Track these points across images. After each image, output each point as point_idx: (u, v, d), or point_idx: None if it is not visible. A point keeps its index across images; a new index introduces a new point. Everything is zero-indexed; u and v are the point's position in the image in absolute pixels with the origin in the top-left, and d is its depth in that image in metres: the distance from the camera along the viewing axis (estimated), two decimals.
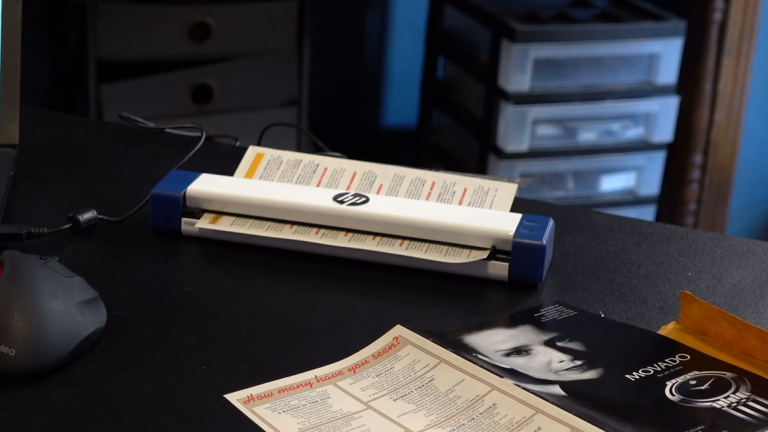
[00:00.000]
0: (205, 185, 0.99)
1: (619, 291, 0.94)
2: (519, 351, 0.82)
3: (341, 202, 0.97)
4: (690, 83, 2.41)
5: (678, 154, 2.46)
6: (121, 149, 1.17)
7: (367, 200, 0.97)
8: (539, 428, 0.72)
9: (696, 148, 2.46)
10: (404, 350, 0.82)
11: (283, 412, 0.75)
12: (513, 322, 0.87)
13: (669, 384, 0.77)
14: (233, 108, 2.47)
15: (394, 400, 0.77)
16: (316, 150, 1.19)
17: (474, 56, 2.44)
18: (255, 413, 0.74)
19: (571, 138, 2.39)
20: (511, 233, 0.93)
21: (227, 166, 1.06)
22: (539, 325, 0.86)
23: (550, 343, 0.83)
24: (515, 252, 0.92)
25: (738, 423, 0.72)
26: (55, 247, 0.95)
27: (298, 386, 0.77)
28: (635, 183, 2.46)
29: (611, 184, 2.47)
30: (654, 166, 2.44)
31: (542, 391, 0.75)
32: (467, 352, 0.81)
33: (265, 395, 0.76)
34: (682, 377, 0.78)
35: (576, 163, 2.41)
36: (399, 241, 0.95)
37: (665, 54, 2.36)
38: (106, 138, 1.21)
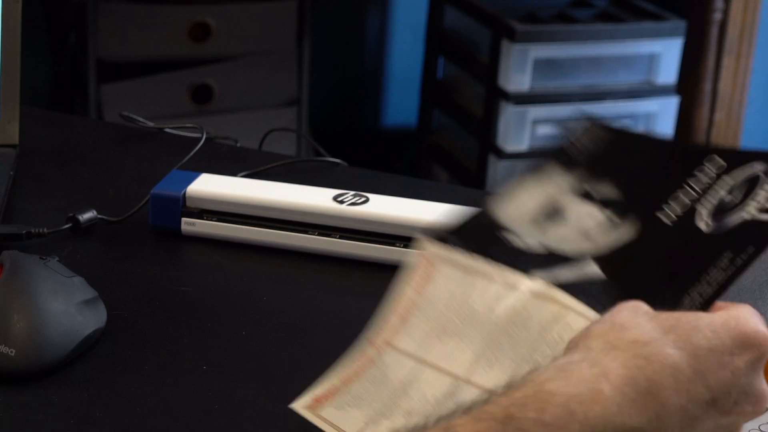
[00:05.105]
0: (205, 185, 0.99)
1: None
2: (550, 214, 0.74)
3: (341, 202, 0.97)
4: (690, 83, 2.41)
5: None
6: (121, 149, 1.17)
7: (367, 200, 0.97)
8: (569, 325, 0.66)
9: None
10: (442, 273, 0.74)
11: (349, 407, 0.71)
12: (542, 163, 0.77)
13: (708, 203, 0.70)
14: (233, 108, 2.47)
15: (441, 340, 0.71)
16: (316, 154, 1.19)
17: (474, 56, 2.44)
18: (323, 418, 0.71)
19: None
20: None
21: (227, 167, 1.07)
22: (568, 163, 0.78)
23: (579, 191, 0.75)
24: None
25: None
26: (55, 247, 0.95)
27: (361, 368, 0.73)
28: None
29: None
30: None
31: (577, 281, 0.69)
32: (499, 234, 0.73)
33: (331, 392, 0.72)
34: (721, 193, 0.70)
35: None
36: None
37: (665, 54, 2.36)
38: (106, 138, 1.21)
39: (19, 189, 1.06)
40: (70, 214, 0.98)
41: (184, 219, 0.98)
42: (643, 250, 0.72)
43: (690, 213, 0.71)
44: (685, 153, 0.76)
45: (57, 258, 0.86)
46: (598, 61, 2.35)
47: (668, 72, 2.37)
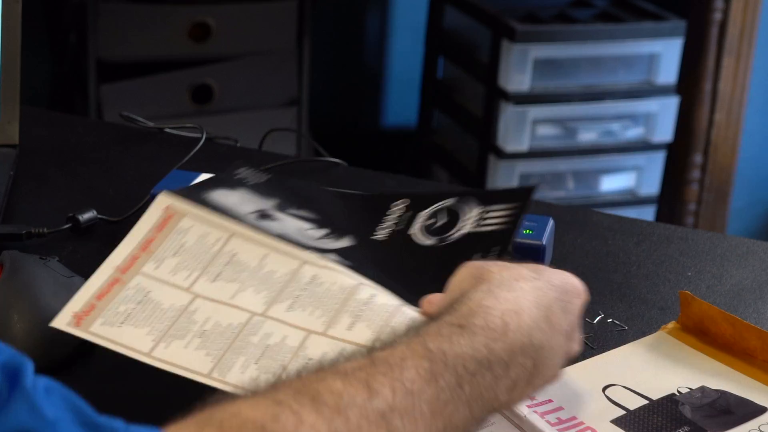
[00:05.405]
0: None
1: (619, 291, 0.94)
2: (264, 215, 0.83)
3: None
4: (690, 83, 2.41)
5: (678, 154, 2.46)
6: (121, 149, 1.17)
7: None
8: (373, 295, 0.75)
9: (696, 148, 2.46)
10: (184, 222, 0.80)
11: (122, 324, 0.73)
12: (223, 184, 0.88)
13: (414, 229, 0.85)
14: (233, 108, 2.47)
15: (212, 281, 0.76)
16: (316, 154, 1.19)
17: (474, 56, 2.44)
18: (97, 335, 0.72)
19: (571, 138, 2.39)
20: None
21: (227, 167, 1.06)
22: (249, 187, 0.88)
23: (282, 209, 0.85)
24: (516, 252, 0.92)
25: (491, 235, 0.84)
26: (55, 247, 0.95)
27: (110, 286, 0.76)
28: (635, 183, 2.46)
29: (611, 184, 2.46)
30: (654, 166, 2.44)
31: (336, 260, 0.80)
32: (233, 216, 0.81)
33: (89, 309, 0.74)
34: (420, 221, 0.86)
35: (576, 163, 2.41)
36: None
37: (665, 54, 2.36)
38: (106, 138, 1.21)
39: (19, 189, 1.06)
40: (70, 214, 0.98)
41: None
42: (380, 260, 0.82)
43: (403, 236, 0.85)
44: (371, 203, 0.89)
45: (57, 258, 0.86)
46: (598, 61, 2.35)
47: (668, 72, 2.37)
